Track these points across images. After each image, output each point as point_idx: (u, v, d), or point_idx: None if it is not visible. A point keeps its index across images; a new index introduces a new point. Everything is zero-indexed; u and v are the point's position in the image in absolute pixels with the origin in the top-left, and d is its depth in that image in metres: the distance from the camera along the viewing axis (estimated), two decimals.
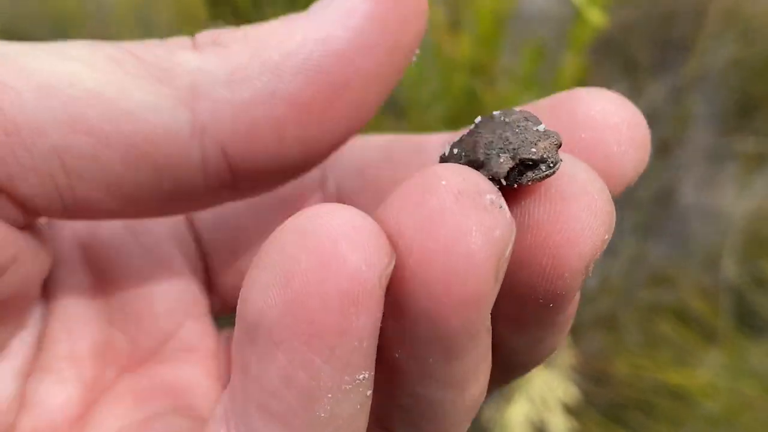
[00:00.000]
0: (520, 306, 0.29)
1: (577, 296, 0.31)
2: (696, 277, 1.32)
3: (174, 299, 0.42)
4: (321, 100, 0.30)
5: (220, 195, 0.33)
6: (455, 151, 0.31)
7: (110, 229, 0.40)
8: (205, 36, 0.31)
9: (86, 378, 0.38)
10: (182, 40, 0.31)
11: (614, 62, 1.68)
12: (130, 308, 0.40)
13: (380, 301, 0.25)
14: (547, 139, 0.28)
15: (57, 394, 0.37)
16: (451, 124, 0.89)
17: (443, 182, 0.25)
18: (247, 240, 0.42)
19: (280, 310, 0.24)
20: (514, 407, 0.99)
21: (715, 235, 1.40)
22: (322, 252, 0.24)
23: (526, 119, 0.29)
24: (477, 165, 0.29)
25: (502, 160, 0.28)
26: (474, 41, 0.94)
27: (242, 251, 0.43)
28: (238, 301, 0.26)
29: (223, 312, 0.45)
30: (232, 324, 0.47)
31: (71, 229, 0.40)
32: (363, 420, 0.27)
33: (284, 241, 0.24)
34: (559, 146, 0.28)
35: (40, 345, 0.38)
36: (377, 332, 0.25)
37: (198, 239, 0.43)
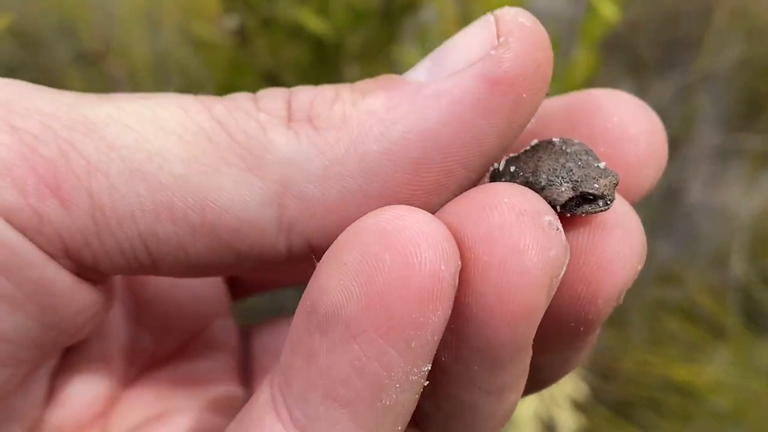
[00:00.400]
0: (552, 328, 0.30)
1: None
2: (703, 275, 1.32)
3: (201, 300, 0.42)
4: (419, 196, 0.29)
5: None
6: (512, 168, 0.31)
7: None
8: (302, 105, 0.29)
9: (113, 376, 0.39)
10: (277, 107, 0.30)
11: (621, 60, 1.68)
12: (157, 310, 0.41)
13: (452, 298, 0.26)
14: (607, 177, 0.29)
15: (84, 392, 0.37)
16: None
17: (505, 200, 0.26)
18: None
19: (360, 305, 0.25)
20: (522, 403, 0.99)
21: (722, 233, 1.40)
22: (405, 252, 0.25)
23: (587, 153, 0.30)
24: (536, 188, 0.30)
25: (563, 189, 0.29)
26: None
27: None
28: (306, 294, 0.27)
29: (241, 296, 0.46)
30: (247, 311, 0.48)
31: None
32: (414, 407, 0.28)
33: (366, 240, 0.25)
34: (617, 185, 0.29)
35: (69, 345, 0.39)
36: (445, 327, 0.26)
37: None
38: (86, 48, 1.43)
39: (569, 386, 1.01)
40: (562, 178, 0.30)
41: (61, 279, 0.29)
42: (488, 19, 0.29)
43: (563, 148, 0.31)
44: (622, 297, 0.30)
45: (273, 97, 0.30)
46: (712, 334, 1.20)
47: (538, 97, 0.29)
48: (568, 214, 0.30)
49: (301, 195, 0.28)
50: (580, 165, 0.30)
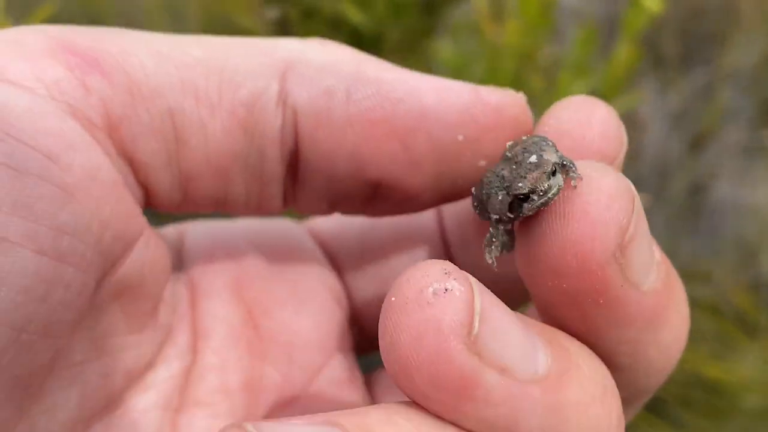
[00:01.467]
0: (585, 311, 0.30)
1: (649, 286, 0.31)
2: (732, 272, 1.31)
3: (323, 333, 0.42)
4: (397, 112, 0.33)
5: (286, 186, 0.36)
6: (473, 190, 0.35)
7: (257, 267, 0.42)
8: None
9: (238, 414, 0.38)
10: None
11: (644, 57, 1.67)
12: (281, 343, 0.40)
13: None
14: (537, 169, 0.30)
15: (211, 429, 0.37)
16: None
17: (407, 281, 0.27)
18: (388, 274, 0.43)
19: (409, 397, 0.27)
20: None
21: (749, 230, 1.39)
22: (435, 352, 0.25)
23: (525, 151, 0.31)
24: (484, 203, 0.33)
25: (500, 198, 0.31)
26: (520, 28, 0.93)
27: (383, 285, 0.43)
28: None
29: (364, 351, 0.45)
30: (369, 364, 0.47)
31: (221, 269, 0.41)
32: None
33: (398, 341, 0.26)
34: (554, 172, 0.30)
35: (188, 378, 0.37)
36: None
37: (341, 274, 0.44)
38: None
39: None
40: (497, 187, 0.31)
41: (106, 167, 0.31)
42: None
43: (512, 149, 0.32)
44: (631, 254, 0.29)
45: None
46: (743, 332, 1.19)
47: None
48: (522, 216, 0.31)
49: (299, 73, 0.33)
50: (513, 168, 0.31)
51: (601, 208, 0.28)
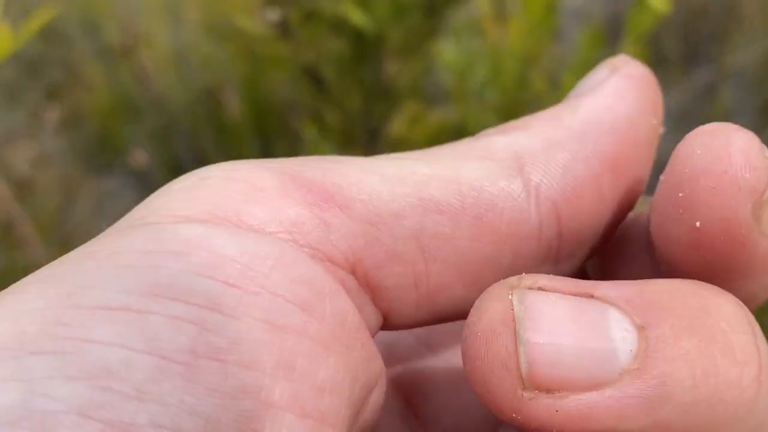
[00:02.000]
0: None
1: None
2: None
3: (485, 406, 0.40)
4: (623, 157, 0.32)
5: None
6: None
7: (404, 348, 0.40)
8: (490, 129, 0.33)
9: None
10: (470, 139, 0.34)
11: (645, 56, 1.66)
12: (446, 426, 0.38)
13: None
14: None
15: None
16: (504, 112, 0.87)
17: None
18: None
19: None
20: None
21: None
22: None
23: None
24: None
25: None
26: (523, 29, 0.93)
27: None
28: None
29: None
30: None
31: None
32: None
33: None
34: None
35: None
36: None
37: None
38: (113, 42, 1.43)
39: None
40: None
41: (351, 311, 0.29)
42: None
43: None
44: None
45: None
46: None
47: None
48: None
49: (535, 161, 0.31)
50: None
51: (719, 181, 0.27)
